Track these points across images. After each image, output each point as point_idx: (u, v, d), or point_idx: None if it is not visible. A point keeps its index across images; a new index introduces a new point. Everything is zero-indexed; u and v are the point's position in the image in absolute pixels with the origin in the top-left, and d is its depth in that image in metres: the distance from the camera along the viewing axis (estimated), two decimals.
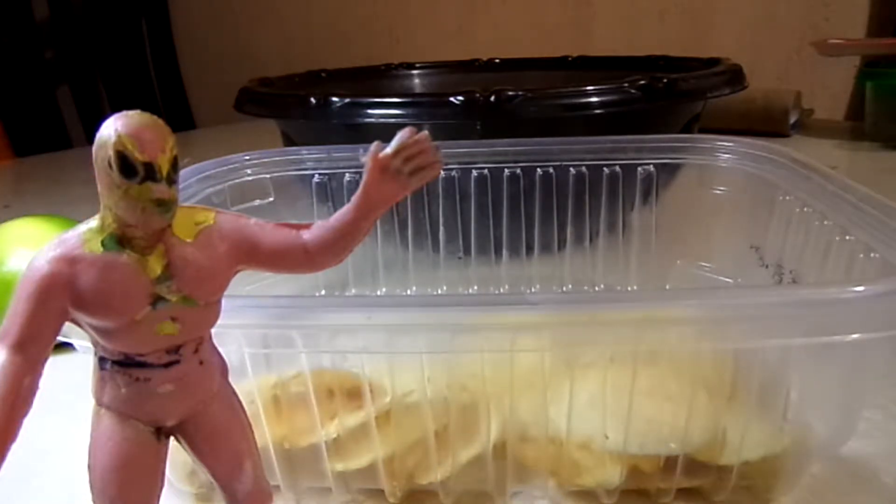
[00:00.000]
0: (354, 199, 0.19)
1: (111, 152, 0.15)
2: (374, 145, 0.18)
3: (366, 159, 0.18)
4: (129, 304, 0.17)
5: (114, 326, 0.17)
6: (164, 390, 0.18)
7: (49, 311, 0.16)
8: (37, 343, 0.16)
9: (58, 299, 0.16)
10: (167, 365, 0.18)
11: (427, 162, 0.19)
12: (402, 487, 0.25)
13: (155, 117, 0.16)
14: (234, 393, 0.20)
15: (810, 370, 0.24)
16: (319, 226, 0.19)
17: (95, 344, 0.18)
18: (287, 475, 0.25)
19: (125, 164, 0.15)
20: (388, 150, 0.18)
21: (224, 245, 0.18)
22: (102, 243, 0.16)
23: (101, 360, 0.18)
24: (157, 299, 0.17)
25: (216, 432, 0.19)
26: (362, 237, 0.19)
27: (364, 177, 0.18)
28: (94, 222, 0.17)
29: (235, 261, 0.18)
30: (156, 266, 0.17)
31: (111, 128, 0.15)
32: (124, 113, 0.16)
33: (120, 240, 0.16)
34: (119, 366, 0.17)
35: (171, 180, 0.16)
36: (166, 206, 0.16)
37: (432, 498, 0.26)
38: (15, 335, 0.16)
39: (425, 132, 0.19)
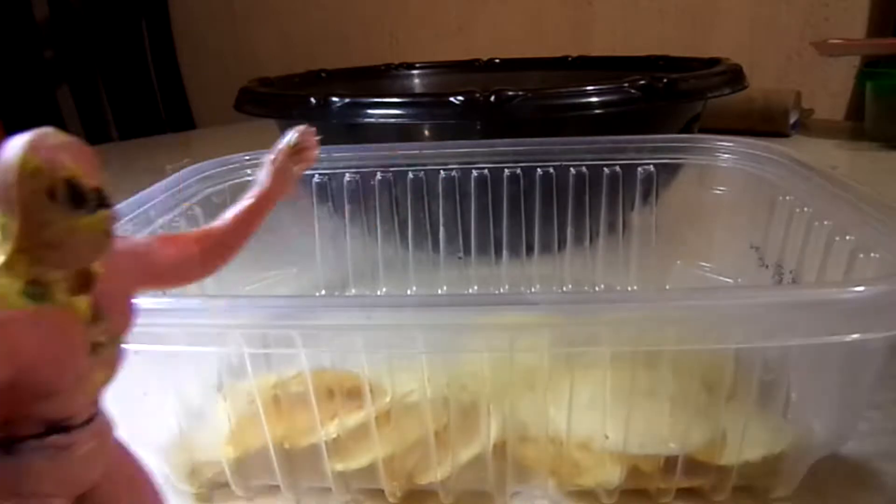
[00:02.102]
0: (255, 198, 0.20)
1: (55, 181, 0.12)
2: (280, 147, 0.21)
3: (271, 159, 0.21)
4: (75, 358, 0.14)
5: (54, 391, 0.14)
6: (85, 451, 0.15)
7: None
8: None
9: None
10: (89, 420, 0.15)
11: (309, 154, 0.21)
12: (402, 487, 0.25)
13: (69, 135, 0.13)
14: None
15: (810, 370, 0.24)
16: (214, 231, 0.19)
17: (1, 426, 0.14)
18: (287, 475, 0.25)
19: (75, 193, 0.13)
20: (292, 144, 0.21)
21: (126, 270, 0.16)
22: (27, 295, 0.13)
23: (6, 444, 0.14)
24: (93, 347, 0.14)
25: (132, 479, 0.17)
26: (250, 235, 0.20)
27: (268, 176, 0.20)
28: None
29: (139, 284, 0.17)
30: (85, 309, 0.14)
31: (39, 151, 0.12)
32: (43, 132, 0.13)
33: (40, 287, 0.13)
34: (37, 441, 0.14)
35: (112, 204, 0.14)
36: (112, 233, 0.14)
37: (432, 498, 0.26)
38: None
39: (312, 129, 0.21)
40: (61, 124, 1.35)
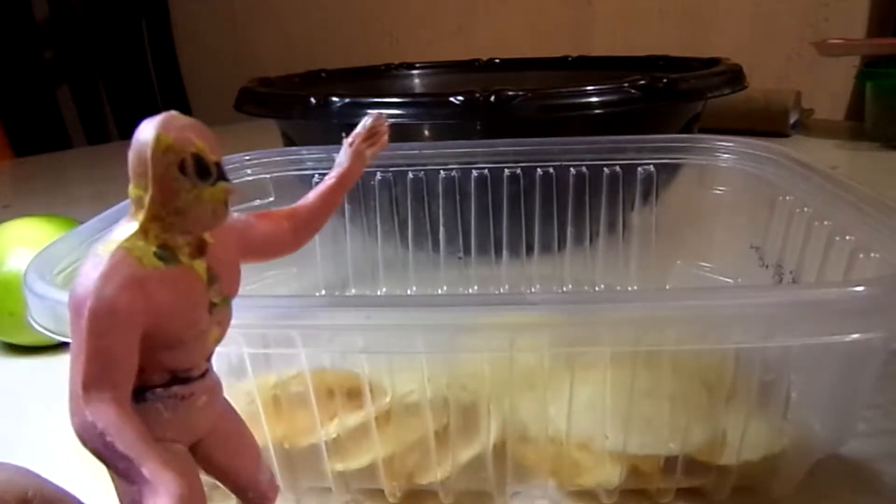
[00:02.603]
0: (337, 178, 0.22)
1: (185, 156, 0.15)
2: (357, 131, 0.22)
3: (349, 142, 0.22)
4: (199, 313, 0.16)
5: (181, 341, 0.16)
6: (202, 402, 0.17)
7: (131, 341, 0.15)
8: (129, 379, 0.15)
9: (137, 327, 0.15)
10: (203, 375, 0.17)
11: (380, 138, 0.23)
12: (402, 487, 0.25)
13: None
14: None
15: (810, 370, 0.24)
16: (301, 208, 0.21)
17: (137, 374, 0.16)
18: (287, 475, 0.25)
19: (201, 166, 0.15)
20: (365, 128, 0.22)
21: (231, 241, 0.18)
22: (159, 257, 0.15)
23: (138, 393, 0.16)
24: (211, 305, 0.17)
25: (236, 432, 0.19)
26: (332, 212, 0.22)
27: (347, 158, 0.22)
28: (126, 238, 0.15)
29: (239, 255, 0.19)
30: (203, 271, 0.16)
31: (171, 131, 0.14)
32: (171, 115, 0.15)
33: (169, 250, 0.16)
34: (162, 389, 0.17)
35: None
36: (229, 203, 0.16)
37: (432, 498, 0.26)
38: (109, 379, 0.14)
39: (384, 114, 0.23)
40: (61, 124, 1.35)
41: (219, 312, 0.17)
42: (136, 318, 0.15)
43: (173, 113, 0.15)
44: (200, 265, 0.16)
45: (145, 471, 0.14)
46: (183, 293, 0.16)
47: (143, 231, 0.15)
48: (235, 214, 0.19)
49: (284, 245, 0.21)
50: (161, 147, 0.14)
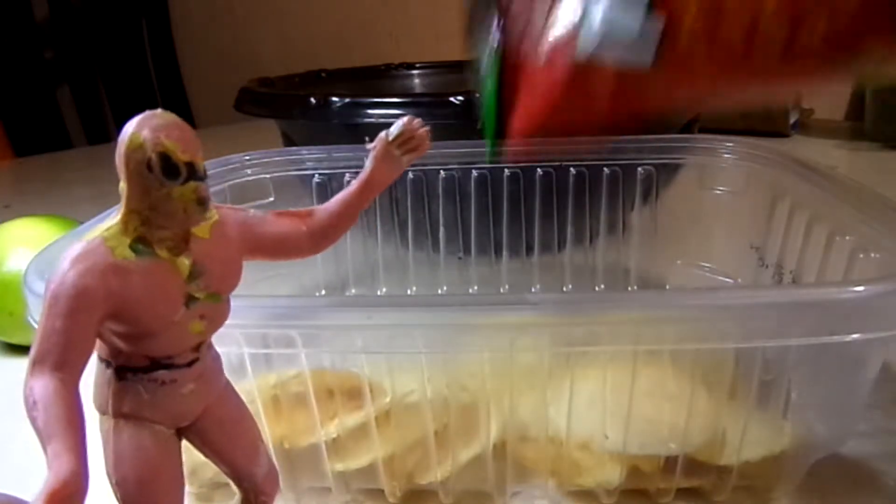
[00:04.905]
0: (358, 183, 0.21)
1: (151, 154, 0.15)
2: (380, 136, 0.21)
3: (372, 146, 0.21)
4: (170, 306, 0.16)
5: (151, 331, 0.16)
6: (187, 390, 0.18)
7: (87, 326, 0.15)
8: (79, 362, 0.15)
9: (95, 313, 0.15)
10: (190, 364, 0.18)
11: (417, 144, 0.21)
12: (402, 487, 0.25)
13: (176, 116, 0.16)
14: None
15: (810, 370, 0.24)
16: (321, 210, 0.21)
17: (115, 356, 0.17)
18: (287, 475, 0.25)
19: (168, 166, 0.15)
20: (391, 136, 0.21)
21: (234, 238, 0.18)
22: (133, 249, 0.16)
23: (119, 371, 0.17)
24: (189, 299, 0.17)
25: (232, 421, 0.19)
26: (357, 218, 0.21)
27: (369, 163, 0.21)
28: (108, 228, 0.16)
29: (244, 253, 0.19)
30: (185, 266, 0.17)
31: (144, 130, 0.15)
32: (151, 114, 0.15)
33: (146, 244, 0.16)
34: (143, 372, 0.17)
35: (206, 177, 0.16)
36: (206, 203, 0.16)
37: (432, 498, 0.26)
38: (57, 357, 0.15)
39: (419, 119, 0.21)
40: (61, 124, 1.35)
41: (201, 306, 0.17)
42: (95, 304, 0.15)
43: (155, 112, 0.16)
44: (182, 259, 0.17)
45: (49, 450, 0.14)
46: (153, 285, 0.16)
47: (124, 223, 0.16)
48: (252, 211, 0.20)
49: (300, 247, 0.20)
50: (132, 145, 0.15)
